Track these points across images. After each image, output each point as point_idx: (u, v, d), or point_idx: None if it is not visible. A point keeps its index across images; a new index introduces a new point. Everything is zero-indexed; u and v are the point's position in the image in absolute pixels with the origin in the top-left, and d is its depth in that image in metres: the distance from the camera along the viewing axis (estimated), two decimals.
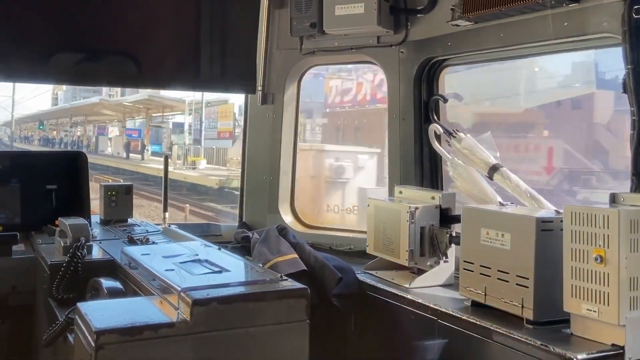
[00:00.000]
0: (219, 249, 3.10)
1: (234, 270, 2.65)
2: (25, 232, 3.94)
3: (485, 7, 3.50)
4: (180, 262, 2.69)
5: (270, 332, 2.39)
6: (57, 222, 3.80)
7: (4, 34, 3.90)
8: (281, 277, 2.53)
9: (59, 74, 4.11)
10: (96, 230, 4.06)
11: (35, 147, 53.93)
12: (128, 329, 2.24)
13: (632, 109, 2.94)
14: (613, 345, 2.70)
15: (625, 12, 2.89)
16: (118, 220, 4.40)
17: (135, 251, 2.99)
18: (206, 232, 5.04)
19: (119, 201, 4.42)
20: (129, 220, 4.42)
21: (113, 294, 2.74)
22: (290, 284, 2.49)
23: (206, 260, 2.73)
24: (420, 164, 4.37)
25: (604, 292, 2.69)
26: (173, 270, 2.58)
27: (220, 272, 2.59)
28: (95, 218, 4.46)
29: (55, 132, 60.86)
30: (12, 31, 3.89)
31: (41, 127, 54.90)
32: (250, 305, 2.31)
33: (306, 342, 2.46)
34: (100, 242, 3.64)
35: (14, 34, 3.90)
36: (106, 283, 2.81)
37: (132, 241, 3.70)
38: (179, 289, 2.31)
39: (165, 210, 4.75)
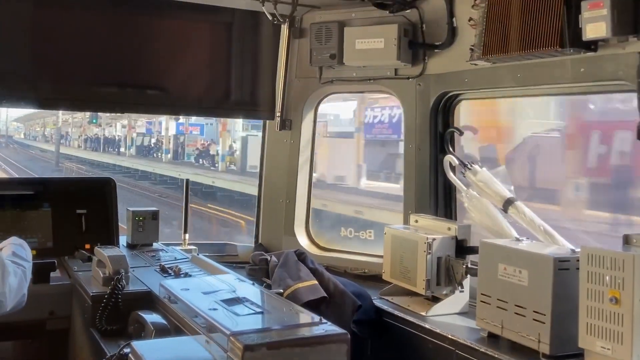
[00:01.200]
0: (253, 284, 3.24)
1: (273, 311, 2.78)
2: (57, 256, 4.07)
3: (504, 51, 3.64)
4: (222, 300, 2.82)
5: None
6: (87, 246, 3.94)
7: (52, 70, 4.17)
8: (320, 320, 2.66)
9: (97, 103, 4.36)
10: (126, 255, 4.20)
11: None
12: None
13: None
14: None
15: None
16: (144, 245, 4.54)
17: (174, 285, 3.11)
18: (222, 252, 5.19)
19: (146, 226, 4.56)
20: (155, 245, 4.56)
21: (159, 330, 2.87)
22: (332, 327, 2.62)
23: (245, 298, 2.86)
24: (435, 194, 4.52)
25: (618, 332, 2.83)
26: (217, 309, 2.71)
27: (261, 312, 2.72)
28: (122, 240, 4.60)
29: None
30: (58, 68, 4.13)
31: (94, 121, 45.04)
32: (296, 350, 2.44)
33: None
34: (133, 270, 3.77)
35: (59, 71, 4.13)
36: (150, 318, 2.94)
37: (164, 270, 3.83)
38: (229, 332, 2.44)
39: (185, 231, 4.89)
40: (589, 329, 2.95)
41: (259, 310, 2.74)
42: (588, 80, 3.50)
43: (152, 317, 2.97)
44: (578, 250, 3.14)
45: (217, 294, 2.93)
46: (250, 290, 3.05)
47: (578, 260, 3.05)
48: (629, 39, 3.20)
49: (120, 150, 44.43)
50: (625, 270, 2.82)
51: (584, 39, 3.25)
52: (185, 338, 2.80)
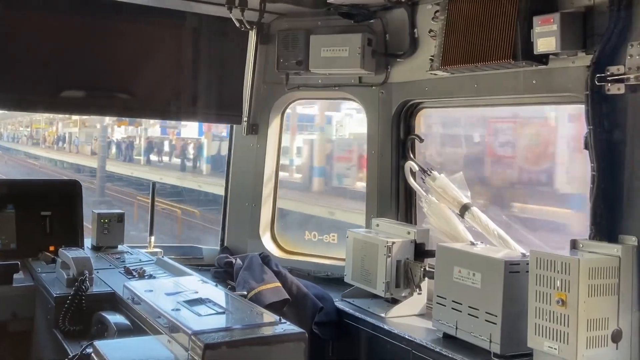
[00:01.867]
0: (216, 285, 3.31)
1: (234, 312, 2.86)
2: (21, 258, 4.07)
3: (462, 61, 3.79)
4: (185, 301, 2.89)
5: None
6: (51, 248, 3.96)
7: (20, 73, 4.21)
8: (280, 319, 2.75)
9: (62, 105, 4.37)
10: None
11: None
12: None
13: (592, 164, 3.25)
14: None
15: (588, 78, 3.20)
16: (109, 247, 4.57)
17: (138, 287, 3.17)
18: (188, 255, 5.24)
19: (111, 228, 4.58)
20: (119, 247, 4.59)
21: (122, 331, 2.92)
22: (290, 327, 2.71)
23: (207, 299, 2.93)
24: (397, 199, 4.65)
25: (564, 332, 2.98)
26: (179, 310, 2.78)
27: (223, 313, 2.80)
28: (86, 242, 4.61)
29: None
30: (26, 71, 4.14)
31: None
32: (255, 348, 2.53)
33: None
34: (97, 272, 3.80)
35: (27, 74, 4.15)
36: (113, 319, 2.99)
37: (128, 272, 3.87)
38: (190, 332, 2.51)
39: (151, 234, 4.93)
40: (537, 329, 3.10)
41: (220, 310, 2.82)
42: (539, 92, 3.66)
43: (115, 318, 3.03)
44: (528, 254, 3.29)
45: (180, 295, 3.00)
46: (213, 291, 3.12)
47: (528, 264, 3.19)
48: (578, 53, 3.37)
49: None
50: (571, 274, 2.97)
51: (535, 52, 3.41)
52: (147, 338, 2.86)
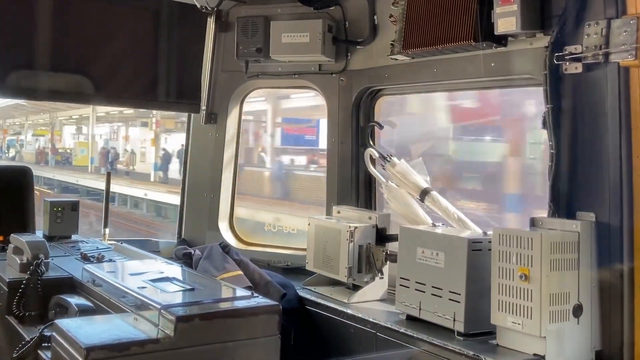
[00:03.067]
0: (181, 266, 3.23)
1: (204, 288, 2.79)
2: None
3: (423, 45, 3.82)
4: (150, 280, 2.79)
5: (246, 347, 2.54)
6: (1, 238, 3.79)
7: None
8: (252, 294, 2.70)
9: (11, 89, 4.13)
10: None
11: None
12: (116, 345, 2.33)
13: (550, 143, 3.31)
14: (535, 355, 3.02)
15: (546, 57, 3.26)
16: (62, 237, 4.39)
17: (99, 269, 3.06)
18: (144, 248, 5.09)
19: (65, 217, 4.41)
20: (74, 237, 4.43)
21: (83, 311, 2.80)
22: (264, 300, 2.66)
23: (174, 278, 2.85)
24: (357, 186, 4.64)
25: (527, 307, 3.02)
26: (146, 287, 2.69)
27: (192, 289, 2.72)
28: (38, 234, 4.42)
29: None
30: None
31: None
32: (229, 321, 2.47)
33: (277, 355, 2.64)
34: (52, 259, 3.65)
35: None
36: (74, 301, 2.87)
37: (85, 258, 3.73)
38: (159, 306, 2.43)
39: (105, 226, 4.79)
40: (500, 305, 3.13)
41: (189, 287, 2.74)
42: (498, 74, 3.71)
43: (75, 300, 2.91)
44: (490, 233, 3.32)
45: (145, 275, 2.92)
46: (179, 271, 3.04)
47: (490, 242, 3.23)
48: (536, 34, 3.44)
49: None
50: (533, 249, 3.01)
51: (496, 33, 3.46)
52: (111, 316, 2.75)
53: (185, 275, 2.97)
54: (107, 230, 4.79)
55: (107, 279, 2.89)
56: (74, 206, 4.44)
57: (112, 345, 2.33)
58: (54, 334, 2.53)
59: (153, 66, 4.70)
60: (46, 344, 2.63)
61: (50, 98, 4.57)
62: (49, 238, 4.37)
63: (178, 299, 2.57)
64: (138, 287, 2.68)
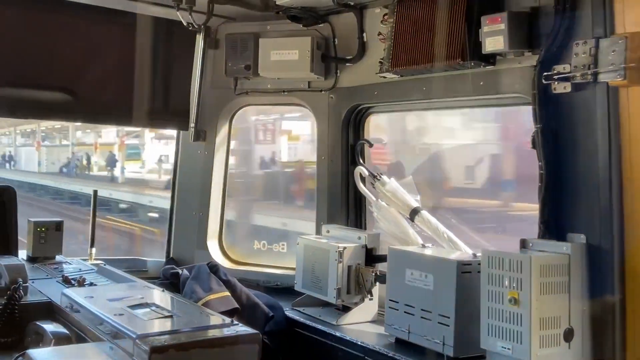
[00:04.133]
0: (163, 290, 3.15)
1: (183, 315, 2.71)
2: None
3: (411, 63, 3.78)
4: (128, 306, 2.72)
5: None
6: None
7: None
8: (232, 321, 2.63)
9: None
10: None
11: None
12: None
13: (539, 163, 3.26)
14: None
15: (535, 77, 3.22)
16: (46, 258, 4.30)
17: (77, 293, 2.97)
18: (132, 267, 5.02)
19: (49, 238, 4.32)
20: (57, 258, 4.34)
21: (59, 339, 2.72)
22: (243, 329, 2.59)
23: (153, 304, 2.77)
24: (347, 204, 4.59)
25: (517, 331, 2.95)
26: (123, 315, 2.61)
27: (170, 316, 2.65)
28: (21, 254, 4.33)
29: None
30: None
31: None
32: (206, 351, 2.39)
33: None
34: (32, 282, 3.57)
35: None
36: (50, 328, 2.78)
37: (67, 281, 3.64)
38: (135, 335, 2.35)
39: (92, 246, 4.71)
40: (490, 329, 3.06)
41: (167, 314, 2.67)
42: (487, 93, 3.68)
43: (51, 327, 2.82)
44: (479, 255, 3.26)
45: (124, 300, 2.83)
46: (159, 296, 2.97)
47: (480, 264, 3.16)
48: (525, 53, 3.40)
49: None
50: (522, 272, 2.95)
51: (484, 52, 3.42)
52: (86, 345, 2.67)
53: (165, 300, 2.90)
54: (93, 249, 4.71)
55: (84, 304, 2.80)
56: (58, 226, 4.35)
57: None
58: None
59: (140, 83, 4.65)
60: None
61: (35, 116, 4.48)
62: (33, 259, 4.28)
63: (154, 327, 2.49)
64: (114, 314, 2.60)
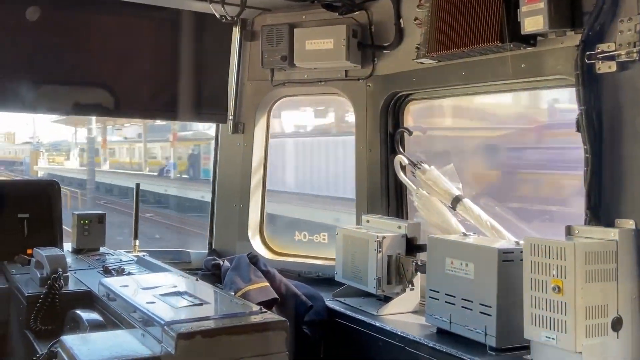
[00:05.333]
0: (197, 279, 3.18)
1: (213, 303, 2.74)
2: None
3: (448, 47, 3.68)
4: (161, 295, 2.75)
5: None
6: (29, 251, 3.81)
7: None
8: (260, 309, 2.63)
9: (35, 103, 4.18)
10: (69, 260, 4.07)
11: None
12: None
13: (585, 147, 3.13)
14: None
15: (577, 57, 3.09)
16: (90, 249, 4.41)
17: (113, 283, 3.03)
18: (176, 259, 5.09)
19: (92, 230, 4.43)
20: (101, 249, 4.44)
21: (94, 326, 2.78)
22: (270, 316, 2.59)
23: (185, 292, 2.80)
24: (387, 194, 4.53)
25: (561, 321, 2.85)
26: (154, 303, 2.64)
27: (200, 304, 2.67)
28: (67, 246, 4.45)
29: None
30: None
31: None
32: (232, 338, 2.39)
33: None
34: (75, 272, 3.65)
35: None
36: (86, 316, 2.85)
37: (107, 271, 3.73)
38: (163, 322, 2.38)
39: (135, 238, 4.79)
40: (533, 319, 2.96)
41: (197, 302, 2.68)
42: (529, 75, 3.55)
43: (87, 314, 2.89)
44: (522, 242, 3.16)
45: (157, 289, 2.87)
46: (191, 284, 2.99)
47: (522, 252, 3.06)
48: (567, 33, 3.27)
49: None
50: (566, 259, 2.84)
51: (522, 33, 3.30)
52: (119, 332, 2.72)
53: (197, 289, 2.92)
54: (137, 242, 4.79)
55: (119, 293, 2.86)
56: (101, 219, 4.46)
57: None
58: (59, 350, 2.51)
59: (178, 78, 4.69)
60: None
61: (74, 112, 4.56)
62: (78, 251, 4.40)
63: (183, 314, 2.51)
64: (147, 302, 2.64)
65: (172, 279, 3.11)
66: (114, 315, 2.94)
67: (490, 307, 3.19)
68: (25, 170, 37.48)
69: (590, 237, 2.99)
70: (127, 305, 2.76)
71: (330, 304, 4.18)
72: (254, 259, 4.39)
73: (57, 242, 4.21)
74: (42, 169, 37.04)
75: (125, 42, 4.52)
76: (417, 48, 3.94)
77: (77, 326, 2.87)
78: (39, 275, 3.43)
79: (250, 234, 5.08)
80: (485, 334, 3.21)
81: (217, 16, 4.19)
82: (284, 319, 2.60)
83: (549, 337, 2.90)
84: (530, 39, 3.38)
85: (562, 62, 3.31)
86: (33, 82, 4.17)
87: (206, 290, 2.97)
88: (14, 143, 44.67)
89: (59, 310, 3.21)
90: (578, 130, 3.17)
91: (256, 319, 2.56)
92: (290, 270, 4.80)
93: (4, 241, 4.13)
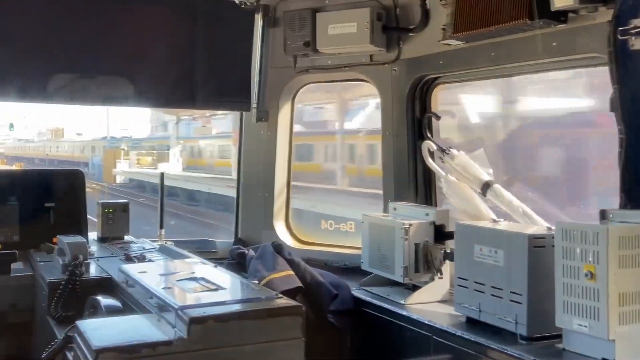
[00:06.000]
0: (215, 266, 3.14)
1: (229, 288, 2.71)
2: (24, 250, 3.97)
3: (476, 26, 3.57)
4: (177, 280, 2.73)
5: (265, 350, 2.43)
6: (55, 240, 3.84)
7: (5, 55, 3.98)
8: (277, 295, 2.58)
9: (56, 94, 4.19)
10: (94, 248, 4.09)
11: None
12: (126, 347, 2.28)
13: (619, 127, 3.00)
14: (604, 359, 2.74)
15: (610, 33, 2.95)
16: (115, 238, 4.43)
17: (132, 269, 3.03)
18: (202, 249, 5.08)
19: (116, 219, 4.45)
20: (126, 238, 4.46)
21: (111, 312, 2.78)
22: (286, 301, 2.54)
23: (202, 278, 2.78)
24: (414, 181, 4.43)
25: (594, 308, 2.73)
26: (170, 288, 2.62)
27: (216, 290, 2.64)
28: (93, 235, 4.48)
29: None
30: (12, 53, 3.97)
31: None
32: (246, 323, 2.36)
33: (302, 359, 2.50)
34: (97, 260, 3.68)
35: (14, 56, 3.97)
36: (104, 301, 2.86)
37: (129, 259, 3.73)
38: (176, 307, 2.35)
39: (161, 227, 4.79)
40: (565, 306, 2.85)
41: (213, 287, 2.65)
42: (560, 54, 3.42)
43: (105, 300, 2.89)
44: (553, 228, 3.04)
45: (175, 275, 2.85)
46: (209, 271, 2.96)
47: (554, 238, 2.95)
48: (599, 8, 3.12)
49: None
50: (599, 244, 2.72)
51: (552, 9, 3.17)
52: (134, 317, 2.72)
53: (215, 275, 2.88)
54: (162, 231, 4.79)
55: (137, 279, 2.85)
56: (125, 207, 4.48)
57: (122, 347, 2.28)
58: (75, 334, 2.51)
59: (200, 66, 4.65)
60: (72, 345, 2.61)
61: (95, 102, 4.57)
62: (103, 239, 4.42)
63: (197, 299, 2.49)
64: (162, 288, 2.63)
65: (191, 266, 3.09)
66: (131, 301, 2.93)
67: (521, 294, 3.08)
68: (96, 176, 30.50)
69: (625, 221, 2.85)
70: (144, 290, 2.75)
71: (357, 293, 4.10)
72: (279, 248, 4.35)
73: (82, 230, 4.24)
74: (127, 173, 30.25)
75: (146, 31, 4.49)
76: (444, 29, 3.82)
77: (96, 312, 2.87)
78: (61, 262, 3.46)
79: (275, 222, 5.03)
80: (516, 323, 3.10)
81: (237, 2, 4.13)
82: (299, 304, 2.55)
83: (581, 325, 2.79)
84: (561, 16, 3.25)
85: (595, 40, 3.17)
86: (52, 73, 4.18)
87: (224, 277, 2.93)
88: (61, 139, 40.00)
89: (79, 296, 3.23)
90: (612, 110, 3.04)
91: (271, 304, 2.51)
92: (316, 260, 4.74)
93: (31, 230, 4.19)
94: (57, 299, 3.22)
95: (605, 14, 3.09)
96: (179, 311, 2.35)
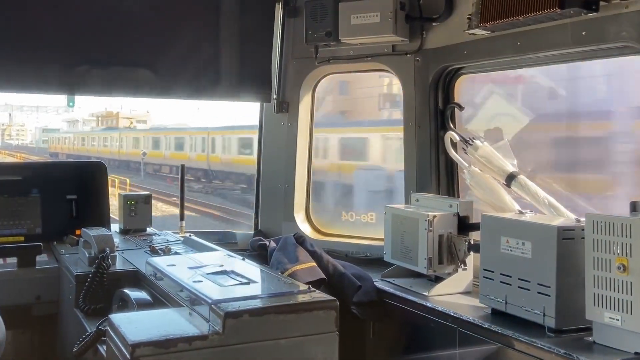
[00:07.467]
0: (243, 259, 3.13)
1: (261, 282, 2.68)
2: (46, 242, 3.97)
3: (503, 16, 3.51)
4: (207, 274, 2.72)
5: (300, 344, 2.42)
6: (78, 232, 3.84)
7: (28, 47, 3.96)
8: (309, 288, 2.56)
9: (76, 85, 4.18)
10: (117, 240, 4.09)
11: None
12: (162, 341, 2.27)
13: None
14: (636, 353, 2.70)
15: None
16: (137, 230, 4.44)
17: (160, 262, 3.02)
18: (222, 240, 5.07)
19: (138, 210, 4.45)
20: (148, 230, 4.46)
21: (142, 305, 2.77)
22: (320, 295, 2.52)
23: (232, 272, 2.76)
24: (437, 172, 4.39)
25: (627, 301, 2.70)
26: (201, 282, 2.61)
27: (248, 283, 2.62)
28: (114, 227, 4.48)
29: None
30: (35, 45, 3.95)
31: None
32: (281, 317, 2.34)
33: (335, 352, 2.49)
34: (122, 252, 3.67)
35: (37, 48, 3.96)
36: (134, 295, 2.84)
37: (154, 251, 3.73)
38: (210, 301, 2.34)
39: (181, 219, 4.78)
40: (596, 299, 2.82)
41: (245, 281, 2.63)
42: (590, 43, 3.35)
43: (135, 293, 2.88)
44: (583, 220, 2.99)
45: (204, 268, 2.84)
46: (238, 264, 2.94)
47: (583, 230, 2.91)
48: None
49: None
50: (632, 236, 2.68)
51: None
52: (167, 311, 2.70)
53: (244, 268, 2.86)
54: (183, 223, 4.78)
55: (166, 272, 2.84)
56: (147, 199, 4.47)
57: (158, 341, 2.27)
58: (107, 328, 2.50)
59: (219, 57, 4.62)
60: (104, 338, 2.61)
61: (119, 94, 4.55)
62: (125, 231, 4.42)
63: (230, 293, 2.48)
64: (194, 281, 2.61)
65: (219, 258, 3.07)
66: (161, 294, 2.92)
67: (549, 287, 3.04)
68: None
69: None
70: (174, 284, 2.74)
71: (380, 284, 4.08)
72: (300, 239, 4.33)
73: (104, 222, 4.25)
74: None
75: (166, 22, 4.44)
76: (469, 19, 3.77)
77: (125, 305, 2.87)
78: (87, 255, 3.46)
79: (296, 214, 5.01)
80: (544, 315, 3.06)
81: None
82: (333, 298, 2.52)
83: (613, 318, 2.76)
84: (592, 4, 3.18)
85: (627, 28, 3.11)
86: (72, 64, 4.15)
87: (253, 270, 2.91)
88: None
89: (107, 289, 3.23)
90: None
91: (305, 298, 2.50)
92: (337, 251, 4.72)
93: (54, 222, 4.20)
94: (85, 291, 3.22)
95: (637, 3, 3.03)
96: (213, 305, 2.33)
